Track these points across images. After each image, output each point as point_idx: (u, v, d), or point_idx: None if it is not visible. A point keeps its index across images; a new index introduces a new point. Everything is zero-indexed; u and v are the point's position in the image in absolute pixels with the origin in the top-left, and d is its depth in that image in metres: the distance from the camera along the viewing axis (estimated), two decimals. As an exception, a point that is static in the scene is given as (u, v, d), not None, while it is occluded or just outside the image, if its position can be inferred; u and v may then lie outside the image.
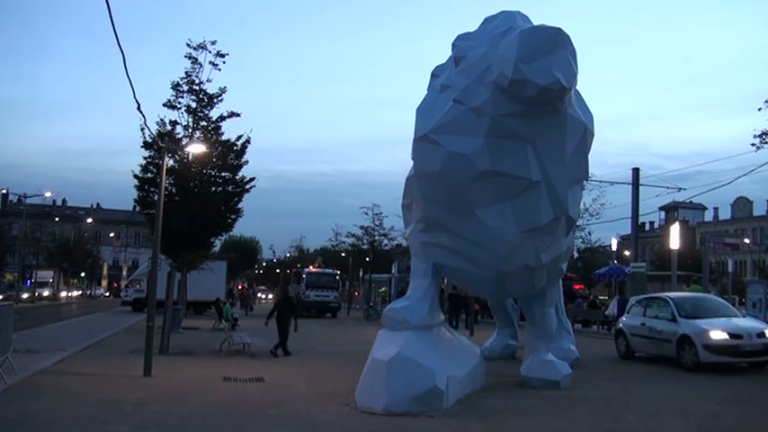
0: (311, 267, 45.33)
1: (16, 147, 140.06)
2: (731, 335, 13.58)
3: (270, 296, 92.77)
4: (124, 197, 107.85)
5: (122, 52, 10.43)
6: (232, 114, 17.17)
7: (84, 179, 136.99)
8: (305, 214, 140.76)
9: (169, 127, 16.75)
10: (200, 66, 16.57)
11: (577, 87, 10.20)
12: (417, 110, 10.56)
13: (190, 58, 16.54)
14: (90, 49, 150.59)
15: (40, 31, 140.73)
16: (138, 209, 20.19)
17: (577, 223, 21.84)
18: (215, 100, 16.87)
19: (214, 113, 17.02)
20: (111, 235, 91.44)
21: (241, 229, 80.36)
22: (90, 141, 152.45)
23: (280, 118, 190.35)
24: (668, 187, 27.18)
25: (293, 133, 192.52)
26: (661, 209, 67.04)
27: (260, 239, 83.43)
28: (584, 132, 10.42)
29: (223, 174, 17.68)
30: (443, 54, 11.35)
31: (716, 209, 73.73)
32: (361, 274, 51.83)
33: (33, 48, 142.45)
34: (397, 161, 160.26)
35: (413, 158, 10.77)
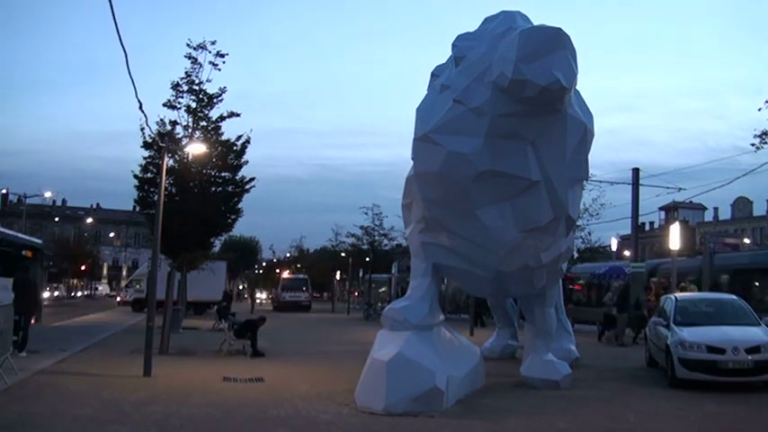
0: (286, 274, 57.02)
1: (27, 128, 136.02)
2: (710, 348, 11.34)
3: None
4: (124, 197, 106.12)
5: (125, 51, 10.45)
6: (232, 114, 17.17)
7: (93, 170, 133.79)
8: (347, 209, 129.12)
9: (169, 127, 16.77)
10: (200, 66, 16.59)
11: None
12: (417, 110, 10.58)
13: (190, 58, 16.55)
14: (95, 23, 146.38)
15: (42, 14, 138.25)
16: (138, 209, 20.21)
17: (577, 223, 21.82)
18: (215, 100, 16.88)
19: (214, 113, 17.05)
20: (111, 235, 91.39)
21: (246, 228, 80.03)
22: (102, 125, 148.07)
23: (335, 94, 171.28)
24: (668, 187, 27.16)
25: (350, 111, 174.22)
26: (661, 209, 66.85)
27: (261, 239, 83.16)
28: (584, 132, 10.44)
29: (223, 174, 17.71)
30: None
31: (716, 209, 73.72)
32: (361, 274, 51.83)
33: (41, 23, 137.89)
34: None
35: (413, 158, 10.78)
